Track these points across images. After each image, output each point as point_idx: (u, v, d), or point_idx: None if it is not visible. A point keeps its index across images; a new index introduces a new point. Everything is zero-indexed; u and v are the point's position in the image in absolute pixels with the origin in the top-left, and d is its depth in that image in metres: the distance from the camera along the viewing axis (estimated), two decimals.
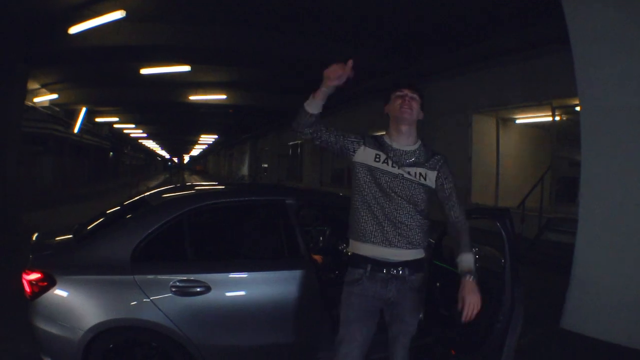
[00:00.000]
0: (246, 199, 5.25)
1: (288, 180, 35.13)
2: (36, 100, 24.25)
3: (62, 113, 29.29)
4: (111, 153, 53.33)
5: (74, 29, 13.00)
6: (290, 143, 35.98)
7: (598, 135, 6.43)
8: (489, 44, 13.62)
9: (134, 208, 5.19)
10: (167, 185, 8.18)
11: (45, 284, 4.08)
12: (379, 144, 3.50)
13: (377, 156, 3.46)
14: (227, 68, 20.92)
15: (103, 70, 20.94)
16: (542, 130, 16.00)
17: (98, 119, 36.15)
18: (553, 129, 14.05)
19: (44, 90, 24.19)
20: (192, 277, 4.28)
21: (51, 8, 12.92)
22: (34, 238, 5.17)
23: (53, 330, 4.07)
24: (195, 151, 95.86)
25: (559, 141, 13.99)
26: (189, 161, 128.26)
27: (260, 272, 4.56)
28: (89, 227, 5.02)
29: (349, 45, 15.74)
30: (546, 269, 10.30)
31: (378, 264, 3.40)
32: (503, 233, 4.01)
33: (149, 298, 4.14)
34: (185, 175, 77.06)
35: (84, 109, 30.34)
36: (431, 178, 3.47)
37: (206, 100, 25.42)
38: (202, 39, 15.01)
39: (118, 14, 12.14)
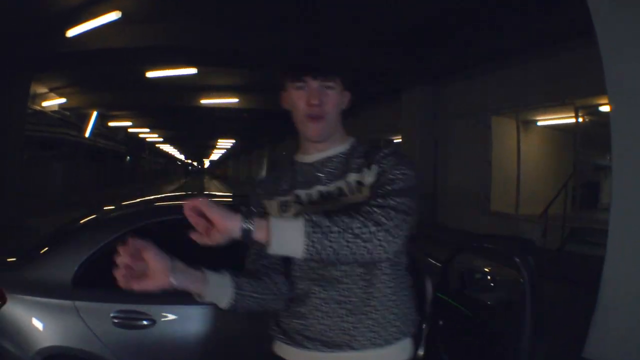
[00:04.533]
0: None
1: None
2: (45, 104, 23.91)
3: (73, 117, 28.95)
4: (128, 157, 53.15)
5: (71, 32, 12.67)
6: None
7: (631, 137, 5.59)
8: (509, 40, 12.97)
9: (87, 223, 4.65)
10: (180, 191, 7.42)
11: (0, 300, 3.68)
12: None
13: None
14: (236, 71, 20.45)
15: (109, 74, 20.58)
16: (563, 132, 15.30)
17: (111, 123, 35.88)
18: (576, 131, 13.24)
19: (52, 94, 23.92)
20: (134, 307, 3.74)
21: (47, 11, 12.60)
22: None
23: (8, 346, 3.69)
24: (215, 155, 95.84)
25: (583, 144, 13.24)
26: (209, 165, 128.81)
27: (215, 306, 3.79)
28: (53, 237, 4.59)
29: (354, 42, 15.15)
30: (569, 284, 9.54)
31: None
32: (524, 273, 2.93)
33: (89, 328, 3.68)
34: (205, 180, 77.18)
35: (94, 113, 29.96)
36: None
37: (218, 104, 25.06)
38: (207, 40, 14.55)
39: (113, 15, 11.82)
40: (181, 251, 4.27)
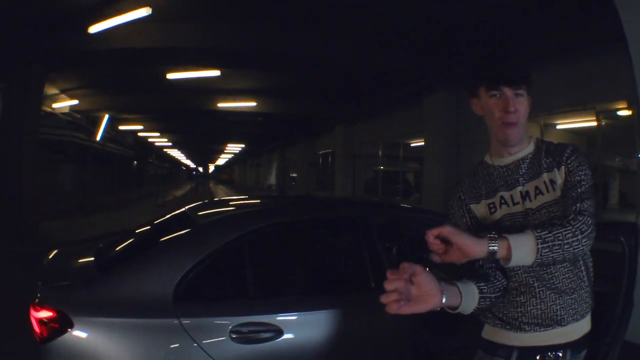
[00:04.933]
0: (321, 216, 4.44)
1: (318, 191, 34.17)
2: (55, 106, 23.46)
3: (84, 120, 28.49)
4: (135, 162, 52.87)
5: (94, 28, 12.09)
6: (321, 152, 34.95)
7: None
8: (532, 47, 12.74)
9: (175, 227, 4.03)
10: (193, 195, 7.05)
11: (58, 325, 3.06)
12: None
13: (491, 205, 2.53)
14: (257, 73, 20.05)
15: (126, 75, 20.12)
16: (578, 135, 15.38)
17: (121, 127, 35.52)
18: (598, 134, 13.25)
19: (63, 95, 23.45)
20: (258, 319, 3.35)
21: (70, 4, 12.04)
22: (50, 256, 4.19)
23: None
24: (221, 160, 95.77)
25: (604, 146, 13.23)
26: (213, 170, 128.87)
27: (344, 309, 3.57)
28: (115, 250, 4.06)
29: (381, 47, 14.98)
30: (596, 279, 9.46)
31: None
32: (626, 250, 3.40)
33: (202, 348, 3.17)
34: (211, 185, 77.07)
35: (106, 117, 29.53)
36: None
37: (235, 107, 24.62)
38: (233, 40, 14.07)
39: (143, 12, 11.20)
40: (296, 254, 3.95)
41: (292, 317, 3.45)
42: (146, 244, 3.91)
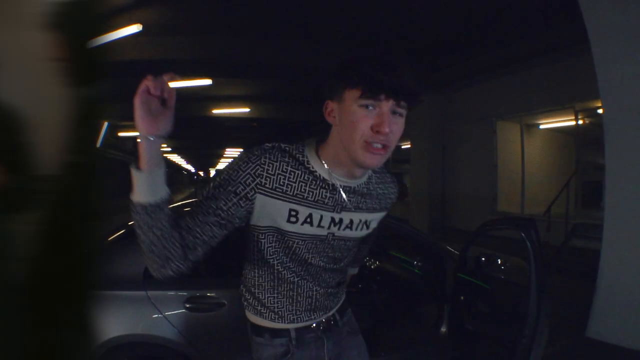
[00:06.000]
0: None
1: None
2: None
3: None
4: None
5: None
6: None
7: (621, 136, 6.19)
8: (512, 49, 13.40)
9: None
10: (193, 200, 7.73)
11: None
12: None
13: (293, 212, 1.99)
14: (249, 81, 20.66)
15: (121, 85, 20.54)
16: (563, 134, 15.92)
17: (121, 134, 35.99)
18: (577, 133, 13.85)
19: None
20: (206, 293, 4.14)
21: None
22: None
23: None
24: (222, 165, 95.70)
25: (582, 145, 13.84)
26: (215, 175, 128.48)
27: None
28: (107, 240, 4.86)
29: (364, 52, 15.15)
30: (572, 276, 10.02)
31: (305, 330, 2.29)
32: (528, 244, 3.66)
33: (162, 314, 4.02)
34: None
35: (105, 124, 29.97)
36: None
37: (229, 114, 25.24)
38: (221, 50, 14.76)
39: (134, 28, 11.89)
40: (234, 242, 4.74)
41: (232, 292, 4.08)
42: (128, 234, 4.72)
